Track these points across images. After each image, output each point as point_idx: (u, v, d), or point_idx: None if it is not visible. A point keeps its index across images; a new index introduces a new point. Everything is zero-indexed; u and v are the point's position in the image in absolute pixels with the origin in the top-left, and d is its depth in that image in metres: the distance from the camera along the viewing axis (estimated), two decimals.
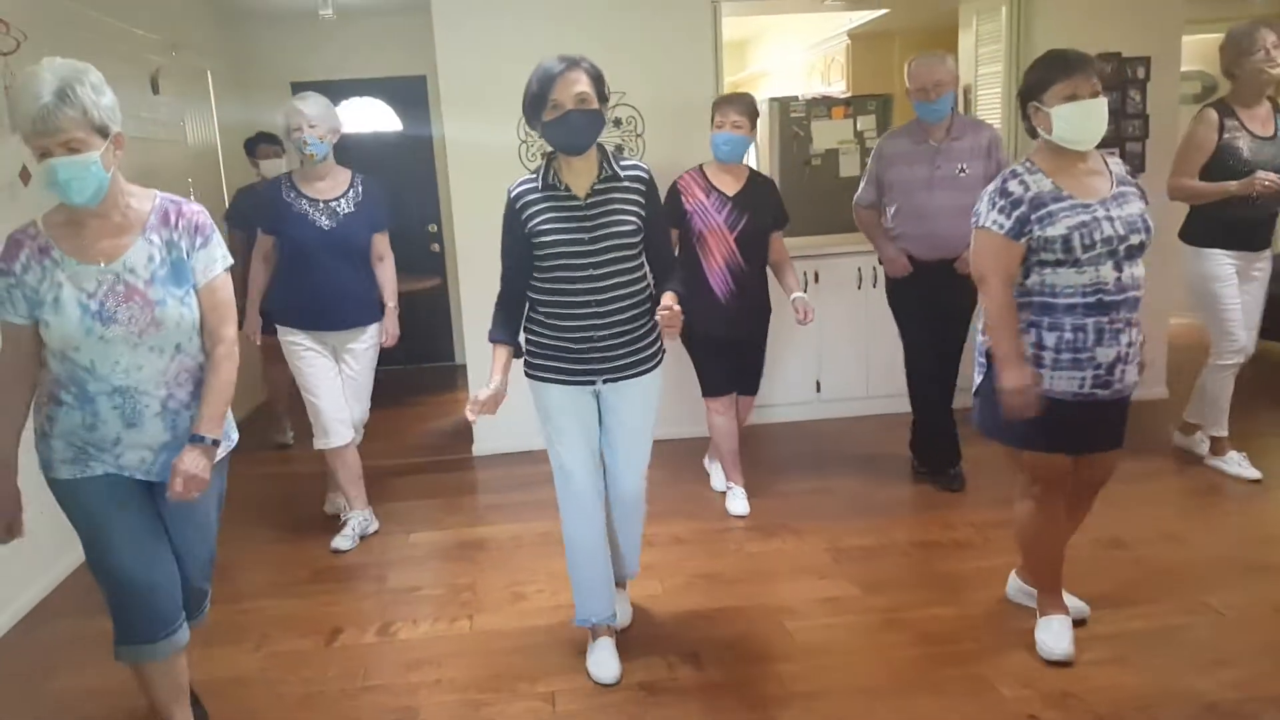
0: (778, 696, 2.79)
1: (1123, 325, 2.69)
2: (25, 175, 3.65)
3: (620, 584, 3.22)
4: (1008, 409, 2.73)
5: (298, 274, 3.88)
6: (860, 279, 5.31)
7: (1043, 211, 2.67)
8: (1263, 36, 3.85)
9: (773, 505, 4.24)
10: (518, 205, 2.74)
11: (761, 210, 3.98)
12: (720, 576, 3.58)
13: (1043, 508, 2.90)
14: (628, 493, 2.99)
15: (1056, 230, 2.65)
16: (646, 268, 2.85)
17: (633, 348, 2.82)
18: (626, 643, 3.09)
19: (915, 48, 7.09)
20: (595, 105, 2.63)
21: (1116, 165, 2.81)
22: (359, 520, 4.13)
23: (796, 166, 6.20)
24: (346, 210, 3.87)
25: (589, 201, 2.71)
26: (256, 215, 3.97)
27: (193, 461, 2.26)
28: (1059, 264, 2.67)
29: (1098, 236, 2.63)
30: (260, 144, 5.20)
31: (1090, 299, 2.66)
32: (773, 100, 6.22)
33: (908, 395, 4.42)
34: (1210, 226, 4.10)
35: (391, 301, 4.08)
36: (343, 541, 4.02)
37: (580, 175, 2.73)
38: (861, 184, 4.31)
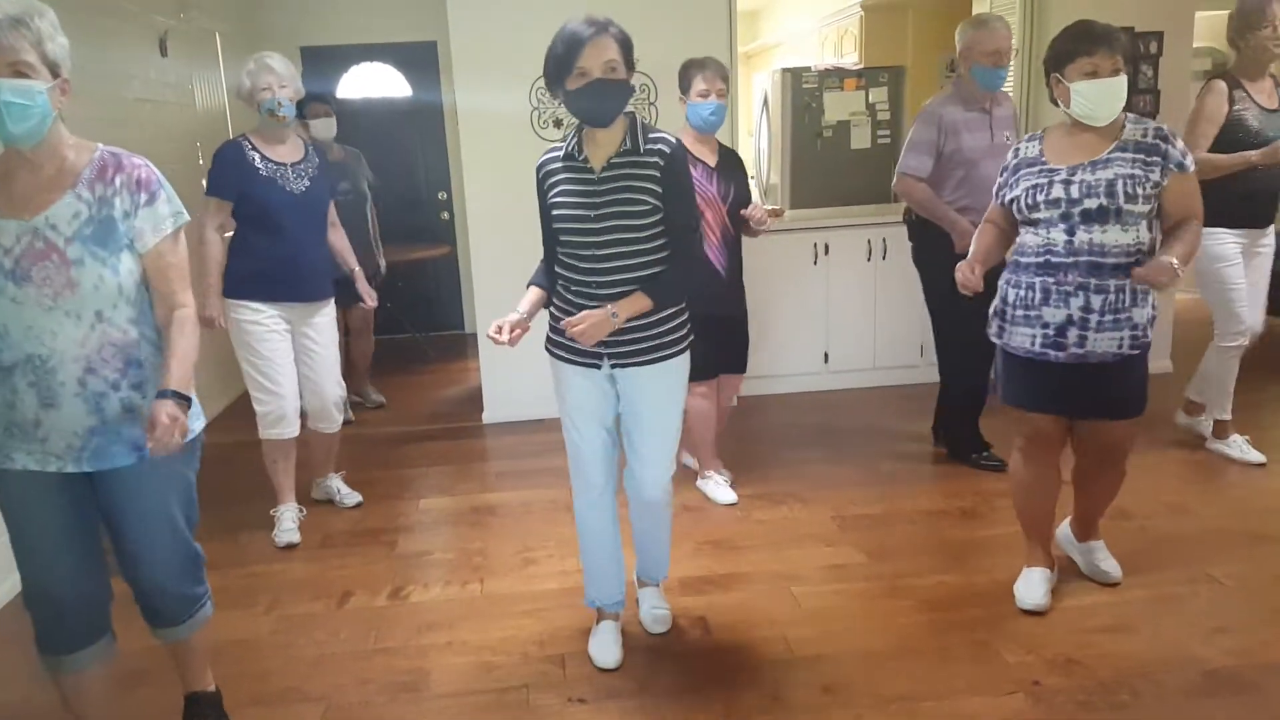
0: (783, 660, 2.83)
1: (1073, 288, 2.73)
2: None
3: (643, 583, 3.11)
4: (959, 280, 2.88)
5: (265, 241, 3.63)
6: (870, 251, 5.32)
7: (1014, 177, 2.88)
8: (1273, 11, 3.80)
9: (780, 474, 4.27)
10: (540, 174, 2.67)
11: (740, 180, 3.83)
12: (727, 543, 3.62)
13: (1025, 462, 3.05)
14: (643, 490, 2.80)
15: (1015, 192, 2.85)
16: (666, 250, 2.61)
17: (643, 334, 2.61)
18: (632, 610, 3.11)
19: (929, 20, 7.08)
20: (623, 75, 2.46)
21: (1136, 130, 2.74)
22: (294, 512, 3.92)
23: (808, 138, 6.17)
24: (313, 174, 3.75)
25: (602, 176, 2.55)
26: (217, 180, 3.62)
27: (164, 407, 2.03)
28: (1025, 224, 2.85)
29: (1041, 198, 2.76)
30: (309, 103, 4.88)
31: (1040, 259, 2.79)
32: (785, 71, 6.19)
33: (941, 371, 4.23)
34: (1218, 204, 3.91)
35: (357, 265, 4.13)
36: (291, 536, 3.81)
37: (602, 147, 2.57)
38: (910, 154, 3.99)
